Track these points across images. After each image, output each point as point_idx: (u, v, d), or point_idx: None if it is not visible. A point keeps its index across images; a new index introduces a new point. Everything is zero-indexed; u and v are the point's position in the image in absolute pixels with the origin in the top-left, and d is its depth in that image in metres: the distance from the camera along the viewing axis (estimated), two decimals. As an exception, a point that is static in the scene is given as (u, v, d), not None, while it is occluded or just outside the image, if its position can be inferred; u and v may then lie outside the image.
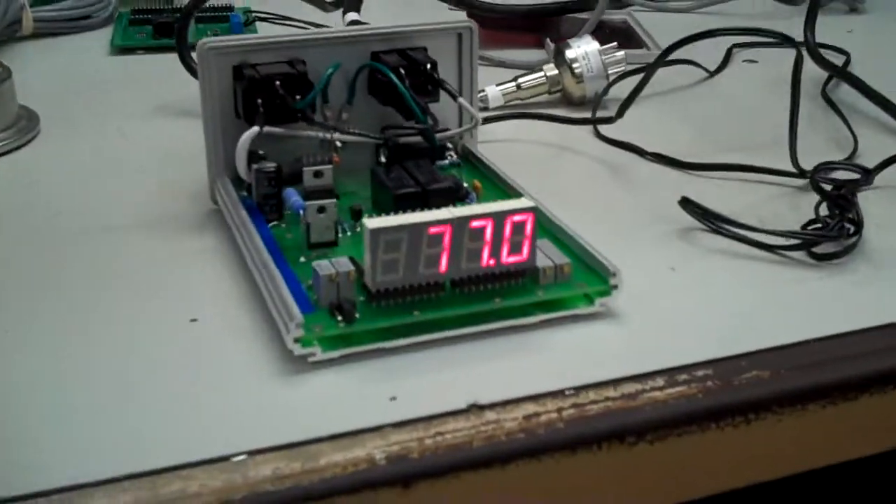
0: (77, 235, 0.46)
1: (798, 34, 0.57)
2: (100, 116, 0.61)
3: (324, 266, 0.39)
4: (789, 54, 0.54)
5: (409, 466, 0.32)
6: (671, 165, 0.55)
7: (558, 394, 0.35)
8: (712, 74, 0.71)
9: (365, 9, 0.67)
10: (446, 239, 0.38)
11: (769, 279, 0.43)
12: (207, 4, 0.72)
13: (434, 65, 0.48)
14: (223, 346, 0.39)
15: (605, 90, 0.64)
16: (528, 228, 0.39)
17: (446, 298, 0.38)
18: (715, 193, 0.51)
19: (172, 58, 0.64)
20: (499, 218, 0.39)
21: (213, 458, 0.32)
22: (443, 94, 0.49)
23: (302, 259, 0.42)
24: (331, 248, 0.43)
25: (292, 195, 0.43)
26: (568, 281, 0.41)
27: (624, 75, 0.65)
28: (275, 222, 0.45)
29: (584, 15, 0.78)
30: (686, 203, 0.48)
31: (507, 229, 0.39)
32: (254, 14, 0.79)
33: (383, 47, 0.49)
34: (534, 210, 0.39)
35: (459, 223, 0.38)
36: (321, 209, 0.42)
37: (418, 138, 0.47)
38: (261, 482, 0.31)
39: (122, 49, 0.75)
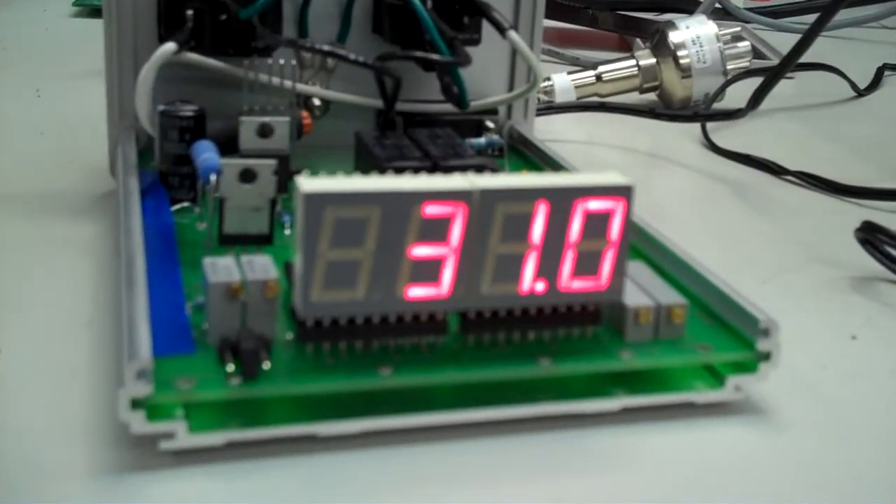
0: None
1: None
2: (19, 75, 0.49)
3: (220, 267, 0.20)
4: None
5: None
6: (824, 189, 0.37)
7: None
8: (861, 94, 0.54)
9: None
10: (456, 230, 0.19)
11: None
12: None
13: (475, -17, 0.30)
14: (20, 405, 0.21)
15: (720, 91, 0.46)
16: (617, 227, 0.20)
17: (448, 348, 0.20)
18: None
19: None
20: (561, 200, 0.20)
21: None
22: (486, 40, 0.31)
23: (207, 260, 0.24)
24: (260, 248, 0.24)
25: (204, 149, 0.25)
26: (679, 338, 0.22)
27: (746, 74, 0.47)
28: (185, 204, 0.27)
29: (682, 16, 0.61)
30: (870, 233, 0.29)
31: (576, 225, 0.20)
32: None
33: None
34: (628, 193, 0.20)
35: (484, 200, 0.19)
36: (247, 174, 0.24)
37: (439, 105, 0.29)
38: None
39: (93, 11, 0.62)
